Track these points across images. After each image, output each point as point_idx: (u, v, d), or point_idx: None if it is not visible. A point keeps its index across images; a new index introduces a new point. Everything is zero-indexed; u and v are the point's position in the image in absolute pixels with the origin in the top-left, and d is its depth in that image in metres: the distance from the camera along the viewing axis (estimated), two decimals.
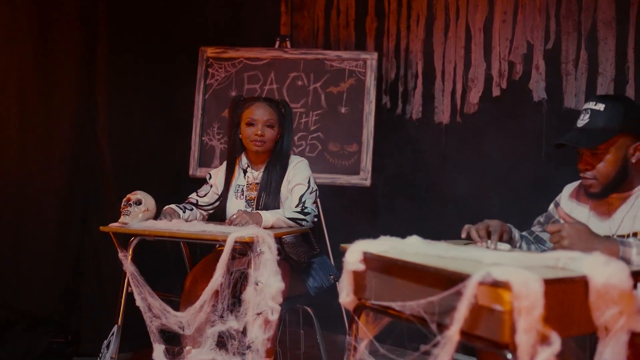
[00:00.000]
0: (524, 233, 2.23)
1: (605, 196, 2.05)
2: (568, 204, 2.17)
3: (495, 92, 3.61)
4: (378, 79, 3.88)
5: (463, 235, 2.04)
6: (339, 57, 3.85)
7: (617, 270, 1.44)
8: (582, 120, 2.03)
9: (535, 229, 2.25)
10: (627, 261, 1.70)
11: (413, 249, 1.79)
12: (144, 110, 3.81)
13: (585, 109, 2.04)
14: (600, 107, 2.00)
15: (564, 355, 1.38)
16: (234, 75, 3.93)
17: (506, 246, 2.00)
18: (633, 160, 2.00)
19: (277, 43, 3.99)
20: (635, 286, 1.46)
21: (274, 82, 3.89)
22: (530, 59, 3.48)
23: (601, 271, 1.44)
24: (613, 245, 1.73)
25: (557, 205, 2.23)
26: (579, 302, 1.45)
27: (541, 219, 2.26)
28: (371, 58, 3.81)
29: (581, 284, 1.44)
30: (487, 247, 1.96)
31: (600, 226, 2.05)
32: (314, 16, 4.37)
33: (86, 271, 3.61)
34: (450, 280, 1.48)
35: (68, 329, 3.49)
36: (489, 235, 2.00)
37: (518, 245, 2.13)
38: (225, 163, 3.05)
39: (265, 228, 2.58)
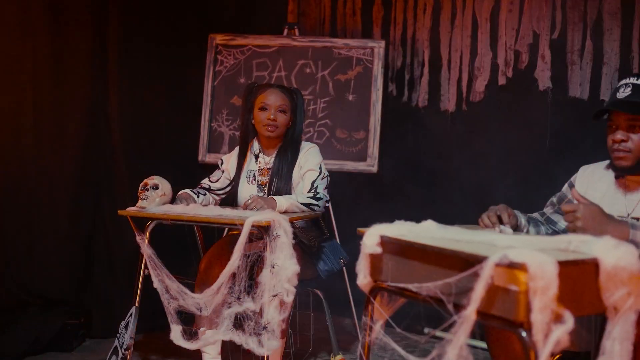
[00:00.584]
0: (534, 215, 2.28)
1: (635, 171, 2.07)
2: (583, 185, 2.22)
3: (501, 80, 3.66)
4: (385, 67, 3.92)
5: (479, 223, 2.08)
6: (347, 45, 3.90)
7: (626, 253, 1.50)
8: (623, 93, 2.04)
9: (547, 210, 2.30)
10: (637, 244, 1.75)
11: (429, 232, 1.85)
12: (155, 97, 3.85)
13: (626, 83, 2.06)
14: None
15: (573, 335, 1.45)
16: (242, 62, 3.97)
17: (509, 230, 2.06)
18: None
19: (286, 31, 4.03)
20: None
21: (282, 70, 3.94)
22: (536, 49, 3.53)
23: (611, 254, 1.50)
24: (624, 228, 1.79)
25: (571, 186, 2.27)
26: (590, 283, 1.51)
27: (554, 199, 2.31)
28: (378, 46, 3.85)
29: (592, 265, 1.50)
30: (497, 231, 2.02)
31: (616, 201, 2.09)
32: (321, 4, 4.40)
33: (98, 254, 3.67)
34: (467, 262, 1.54)
35: (80, 311, 3.55)
36: (500, 220, 2.06)
37: (525, 230, 2.19)
38: (237, 148, 3.10)
39: (279, 212, 2.63)
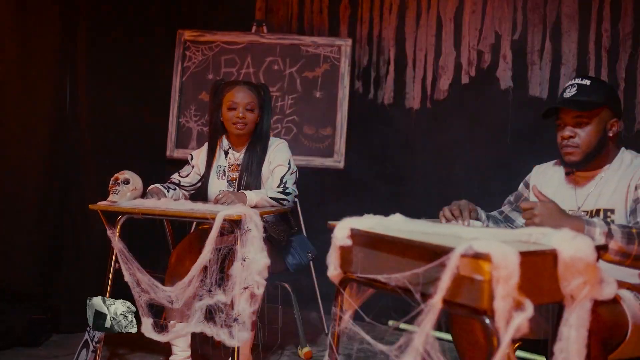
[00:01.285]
0: (492, 213, 2.38)
1: (583, 166, 2.18)
2: (537, 183, 2.32)
3: (465, 79, 3.76)
4: (352, 64, 3.98)
5: (442, 221, 2.17)
6: (314, 43, 3.95)
7: (583, 245, 1.59)
8: (570, 93, 2.16)
9: (505, 208, 2.40)
10: (591, 239, 1.85)
11: (397, 225, 1.92)
12: (123, 92, 3.84)
13: (572, 84, 2.19)
14: (587, 82, 2.17)
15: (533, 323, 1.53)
16: (211, 58, 3.99)
17: (478, 223, 2.15)
18: (610, 134, 2.16)
19: (254, 28, 4.06)
20: (598, 259, 1.62)
21: (250, 66, 3.97)
22: (498, 49, 3.64)
23: (569, 245, 1.58)
24: (579, 224, 1.88)
25: (526, 185, 2.38)
26: (549, 273, 1.59)
27: (511, 198, 2.41)
28: (345, 44, 3.91)
29: (551, 256, 1.58)
30: (462, 225, 2.11)
31: (567, 195, 2.21)
32: (288, 2, 4.43)
33: (65, 248, 3.65)
34: (435, 253, 1.60)
35: (48, 306, 3.53)
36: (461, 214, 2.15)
37: (485, 225, 2.28)
38: (206, 144, 3.13)
39: (249, 207, 2.65)
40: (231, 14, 4.37)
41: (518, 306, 1.50)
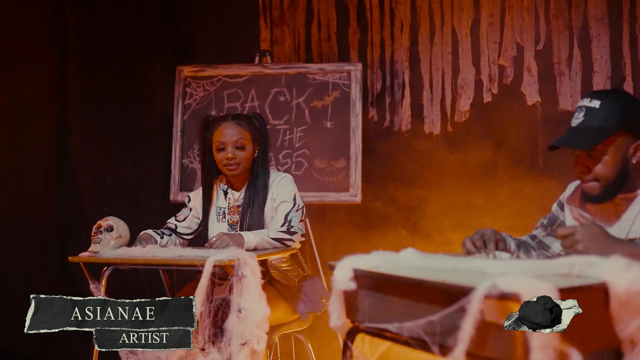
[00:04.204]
0: (523, 238, 2.06)
1: (606, 200, 1.88)
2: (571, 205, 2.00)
3: (487, 97, 3.55)
4: (363, 91, 3.76)
5: (462, 249, 1.87)
6: (322, 70, 3.73)
7: None
8: (577, 120, 1.86)
9: (538, 232, 2.08)
10: None
11: (408, 262, 1.63)
12: (120, 133, 3.73)
13: (580, 107, 1.87)
14: (596, 104, 1.83)
15: None
16: (213, 93, 3.80)
17: (506, 255, 1.85)
18: (634, 161, 1.83)
19: (257, 58, 3.86)
20: None
21: (255, 99, 3.76)
22: (521, 62, 3.45)
23: (623, 276, 1.29)
24: (633, 249, 1.56)
25: (561, 205, 2.06)
26: (600, 313, 1.29)
27: (544, 220, 2.09)
28: (355, 69, 3.69)
29: (601, 292, 1.29)
30: (491, 258, 1.80)
31: (609, 221, 1.88)
32: (295, 31, 4.26)
33: None
34: (452, 294, 1.32)
35: None
36: (485, 245, 1.84)
37: (515, 256, 1.96)
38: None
39: (248, 250, 2.41)
40: (235, 49, 4.20)
41: (562, 358, 1.21)
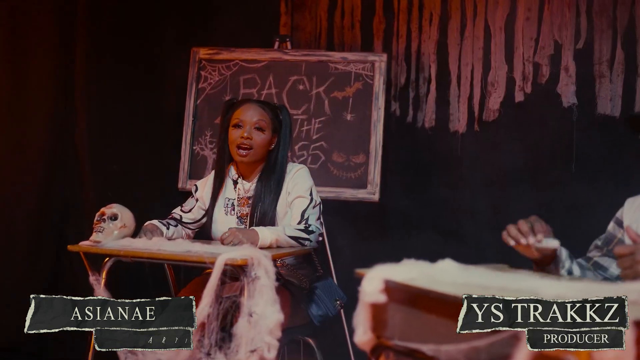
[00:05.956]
0: (578, 260, 1.87)
1: None
2: (633, 220, 1.81)
3: (519, 97, 3.44)
4: (387, 83, 3.63)
5: (505, 238, 1.68)
6: (345, 59, 3.57)
7: None
8: None
9: (593, 254, 1.89)
10: None
11: (448, 276, 1.46)
12: (129, 117, 3.58)
13: None
14: None
15: None
16: (228, 78, 3.65)
17: (555, 242, 1.67)
18: None
19: (277, 44, 3.70)
20: None
21: (272, 86, 3.61)
22: (558, 60, 3.36)
23: None
24: None
25: (618, 223, 1.87)
26: None
27: (598, 242, 1.91)
28: (380, 60, 3.54)
29: None
30: (532, 244, 1.63)
31: None
32: (316, 17, 4.11)
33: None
34: None
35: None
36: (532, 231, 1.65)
37: (567, 266, 1.77)
38: (212, 173, 2.72)
39: (262, 248, 2.27)
40: (253, 33, 4.05)
41: None
